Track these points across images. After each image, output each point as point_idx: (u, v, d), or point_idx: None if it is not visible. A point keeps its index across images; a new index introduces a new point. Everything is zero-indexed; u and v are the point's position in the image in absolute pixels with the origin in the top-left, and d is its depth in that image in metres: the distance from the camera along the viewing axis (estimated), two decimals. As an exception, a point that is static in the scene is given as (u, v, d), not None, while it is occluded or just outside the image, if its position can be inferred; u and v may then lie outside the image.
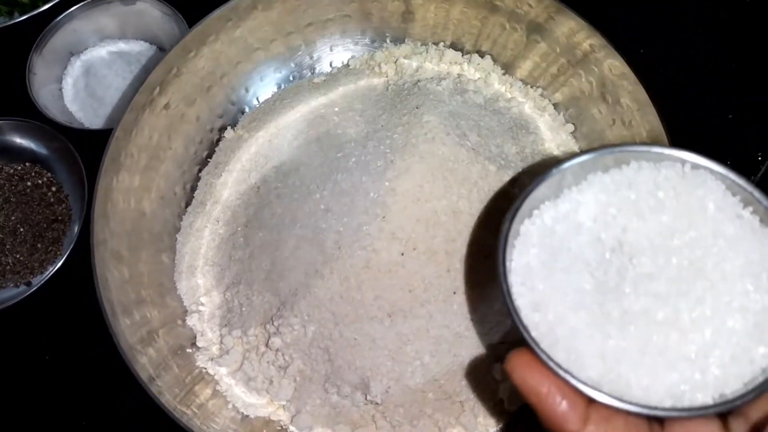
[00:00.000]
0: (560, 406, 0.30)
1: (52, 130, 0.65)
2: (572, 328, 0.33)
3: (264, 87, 0.64)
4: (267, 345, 0.52)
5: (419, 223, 0.50)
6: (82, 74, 0.72)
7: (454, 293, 0.50)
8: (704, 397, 0.31)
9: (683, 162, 0.36)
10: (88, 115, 0.70)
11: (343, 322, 0.49)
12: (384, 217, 0.50)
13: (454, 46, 0.64)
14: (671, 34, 0.70)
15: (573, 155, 0.37)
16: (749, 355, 0.32)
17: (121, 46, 0.73)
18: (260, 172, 0.59)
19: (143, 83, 0.55)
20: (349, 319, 0.49)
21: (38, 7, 0.70)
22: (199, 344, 0.54)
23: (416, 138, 0.53)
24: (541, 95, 0.61)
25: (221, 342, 0.54)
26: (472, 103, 0.59)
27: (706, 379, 0.31)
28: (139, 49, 0.73)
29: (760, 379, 0.31)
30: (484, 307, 0.50)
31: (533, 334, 0.33)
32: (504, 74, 0.63)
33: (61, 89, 0.72)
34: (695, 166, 0.36)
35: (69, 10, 0.69)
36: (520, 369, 0.31)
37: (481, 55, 0.63)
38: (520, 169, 0.55)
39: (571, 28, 0.56)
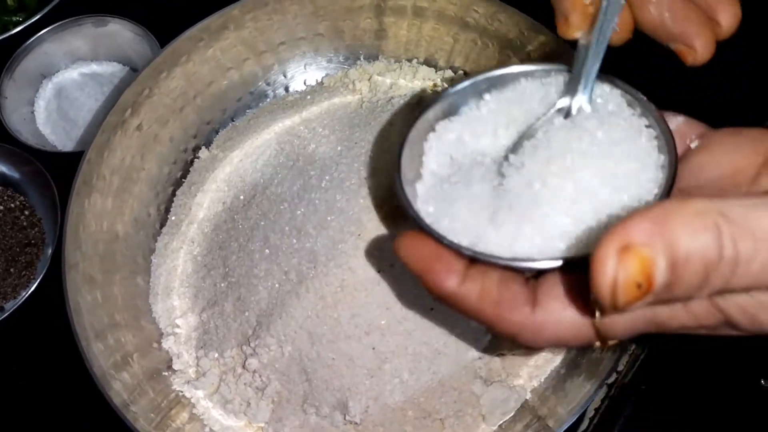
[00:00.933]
0: (439, 268, 0.32)
1: (24, 154, 0.64)
2: (456, 210, 0.34)
3: (238, 106, 0.64)
4: (244, 366, 0.51)
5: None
6: (54, 96, 0.71)
7: (432, 309, 0.50)
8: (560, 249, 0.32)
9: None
10: (61, 138, 0.70)
11: (320, 341, 0.49)
12: (359, 235, 0.50)
13: (427, 62, 0.64)
14: (643, 48, 0.70)
15: (462, 79, 0.39)
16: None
17: (94, 67, 0.72)
18: (235, 192, 0.59)
19: (115, 105, 0.54)
20: (326, 339, 0.49)
21: (8, 30, 0.69)
22: (175, 367, 0.53)
23: (391, 155, 0.53)
24: (515, 110, 0.62)
25: (198, 364, 0.53)
26: (446, 119, 0.59)
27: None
28: (112, 70, 0.73)
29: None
30: (463, 323, 0.50)
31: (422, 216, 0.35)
32: (477, 89, 0.63)
33: (33, 112, 0.71)
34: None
35: (40, 32, 0.68)
36: (404, 246, 0.33)
37: (455, 71, 0.63)
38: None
39: (541, 43, 0.57)
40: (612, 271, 0.25)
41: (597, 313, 0.30)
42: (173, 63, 0.58)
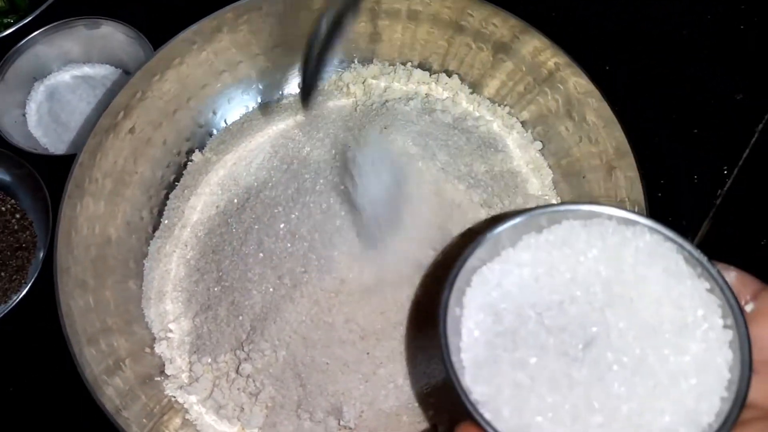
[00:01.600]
0: None
1: (16, 157, 0.63)
2: (514, 394, 0.33)
3: (232, 109, 0.64)
4: (237, 371, 0.51)
5: (389, 244, 0.50)
6: (46, 99, 0.70)
7: (427, 313, 0.50)
8: None
9: (610, 217, 0.36)
10: (53, 141, 0.69)
11: (314, 346, 0.49)
12: (354, 239, 0.50)
13: (421, 66, 0.64)
14: (636, 51, 0.71)
15: (505, 218, 0.37)
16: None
17: (86, 70, 0.72)
18: (229, 195, 0.59)
19: (107, 107, 0.54)
20: (320, 343, 0.49)
21: (0, 32, 0.69)
22: (167, 372, 0.53)
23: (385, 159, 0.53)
24: (509, 113, 0.62)
25: (191, 369, 0.53)
26: (440, 123, 0.59)
27: None
28: (104, 73, 0.72)
29: None
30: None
31: (479, 407, 0.32)
32: (471, 93, 0.63)
33: (24, 115, 0.70)
34: (622, 221, 0.36)
35: (32, 34, 0.68)
36: None
37: (449, 74, 0.63)
38: (489, 188, 0.55)
39: (536, 47, 0.57)
40: None
41: None
42: (166, 66, 0.58)
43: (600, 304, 0.34)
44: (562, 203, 0.36)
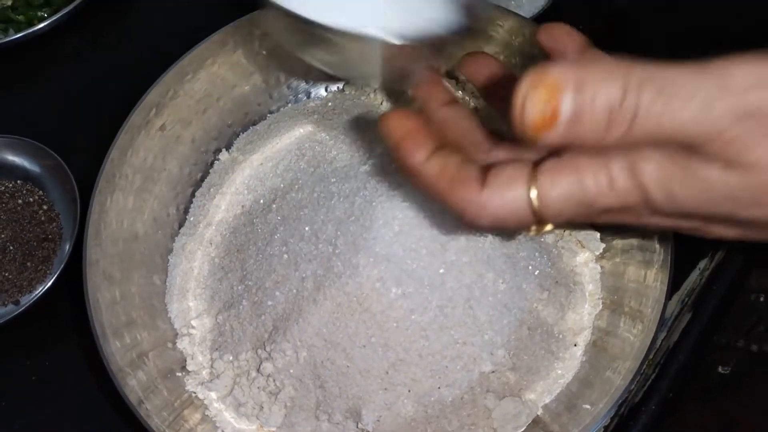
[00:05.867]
0: (411, 141, 0.36)
1: (45, 148, 0.64)
2: None
3: (260, 110, 0.65)
4: (258, 370, 0.51)
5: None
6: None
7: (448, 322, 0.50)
8: None
9: None
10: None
11: (335, 349, 0.49)
12: (378, 246, 0.50)
13: (449, 74, 0.65)
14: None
15: None
16: None
17: None
18: (254, 195, 0.60)
19: (139, 104, 0.55)
20: (341, 347, 0.49)
21: (33, 25, 0.70)
22: (189, 368, 0.54)
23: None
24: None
25: (212, 366, 0.53)
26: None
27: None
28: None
29: None
30: (477, 336, 0.50)
31: None
32: (498, 103, 0.63)
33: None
34: None
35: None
36: (388, 119, 0.37)
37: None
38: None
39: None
40: (523, 94, 0.29)
41: (533, 190, 0.33)
42: (198, 65, 0.58)
43: None
44: None
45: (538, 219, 0.34)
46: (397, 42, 0.33)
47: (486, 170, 0.35)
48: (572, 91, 0.29)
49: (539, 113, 0.29)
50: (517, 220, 0.34)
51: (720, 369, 0.54)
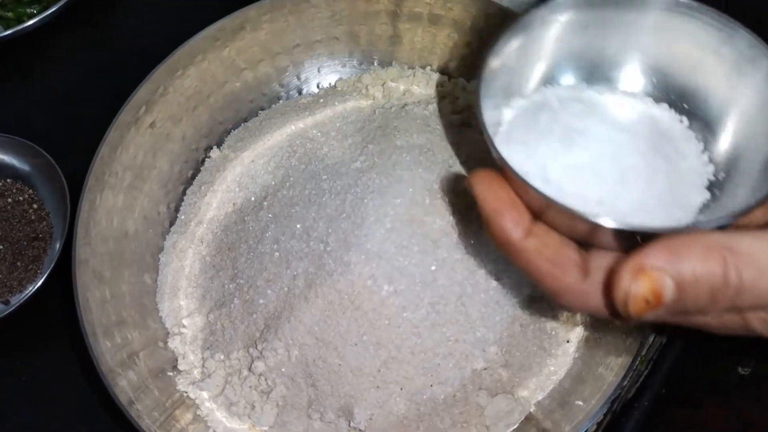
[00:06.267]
0: (510, 216, 0.34)
1: (35, 146, 0.64)
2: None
3: (251, 107, 0.64)
4: (250, 369, 0.51)
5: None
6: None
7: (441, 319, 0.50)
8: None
9: None
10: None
11: (326, 347, 0.49)
12: (370, 244, 0.50)
13: (441, 70, 0.64)
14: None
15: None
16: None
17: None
18: (245, 193, 0.59)
19: (129, 101, 0.54)
20: (332, 345, 0.49)
21: (23, 22, 0.69)
22: (180, 367, 0.53)
23: (403, 162, 0.53)
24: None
25: (203, 365, 0.53)
26: (459, 128, 0.59)
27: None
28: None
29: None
30: (470, 332, 0.50)
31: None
32: (491, 99, 0.63)
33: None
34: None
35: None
36: (481, 182, 0.35)
37: (468, 79, 0.64)
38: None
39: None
40: (626, 287, 0.31)
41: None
42: (188, 62, 0.58)
43: None
44: None
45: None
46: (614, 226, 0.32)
47: (583, 254, 0.35)
48: (673, 278, 0.30)
49: (642, 301, 0.30)
50: (612, 314, 0.34)
51: (740, 370, 0.54)
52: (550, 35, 0.39)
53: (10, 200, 0.64)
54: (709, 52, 0.37)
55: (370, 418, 0.49)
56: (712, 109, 0.38)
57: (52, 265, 0.59)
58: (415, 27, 0.62)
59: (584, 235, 0.34)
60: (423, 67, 0.65)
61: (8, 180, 0.66)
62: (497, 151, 0.34)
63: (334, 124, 0.61)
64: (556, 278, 0.34)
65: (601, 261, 0.34)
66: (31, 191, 0.65)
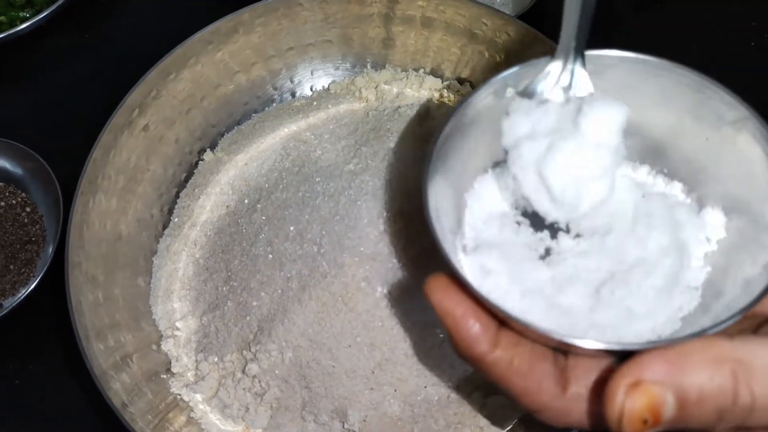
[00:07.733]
0: (473, 328, 0.30)
1: (28, 150, 0.64)
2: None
3: (244, 110, 0.64)
4: (243, 371, 0.51)
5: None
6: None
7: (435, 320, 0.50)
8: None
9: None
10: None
11: (320, 349, 0.49)
12: (363, 245, 0.50)
13: (434, 72, 0.64)
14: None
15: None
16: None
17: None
18: (239, 196, 0.59)
19: (122, 104, 0.54)
20: (326, 347, 0.49)
21: (15, 25, 0.69)
22: (174, 370, 0.53)
23: (397, 163, 0.53)
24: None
25: (197, 368, 0.53)
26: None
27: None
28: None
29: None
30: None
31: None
32: (483, 101, 0.63)
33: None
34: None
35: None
36: (438, 292, 0.31)
37: (461, 82, 0.64)
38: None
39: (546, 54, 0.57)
40: (620, 403, 0.26)
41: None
42: (181, 65, 0.58)
43: None
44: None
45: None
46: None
47: (560, 364, 0.31)
48: (675, 394, 0.26)
49: (638, 421, 0.27)
50: (602, 427, 0.30)
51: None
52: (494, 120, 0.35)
53: (3, 204, 0.64)
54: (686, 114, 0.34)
55: (364, 420, 0.49)
56: (699, 180, 0.35)
57: (45, 269, 0.59)
58: (408, 30, 0.62)
59: (559, 345, 0.30)
60: (416, 70, 0.65)
61: (1, 183, 0.65)
62: (458, 272, 0.30)
63: (328, 127, 0.61)
64: (531, 395, 0.30)
65: (584, 370, 0.30)
66: (24, 194, 0.65)
